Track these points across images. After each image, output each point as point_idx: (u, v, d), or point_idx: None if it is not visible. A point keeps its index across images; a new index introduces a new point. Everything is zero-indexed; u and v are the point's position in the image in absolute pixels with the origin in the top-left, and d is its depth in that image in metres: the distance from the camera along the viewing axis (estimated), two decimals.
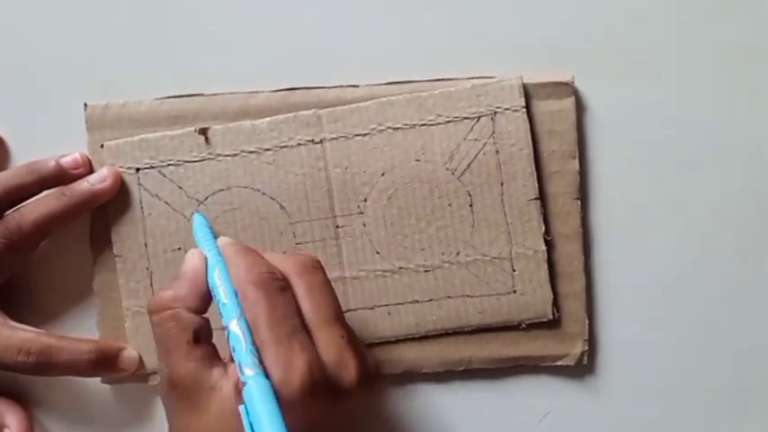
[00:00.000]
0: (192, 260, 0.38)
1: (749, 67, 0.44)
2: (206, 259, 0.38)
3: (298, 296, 0.37)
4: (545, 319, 0.44)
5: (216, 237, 0.40)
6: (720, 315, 0.45)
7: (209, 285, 0.37)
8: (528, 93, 0.43)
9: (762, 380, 0.45)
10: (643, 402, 0.45)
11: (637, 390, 0.45)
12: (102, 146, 0.44)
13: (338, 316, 0.37)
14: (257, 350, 0.34)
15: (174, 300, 0.36)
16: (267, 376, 0.33)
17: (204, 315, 0.37)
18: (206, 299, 0.37)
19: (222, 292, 0.36)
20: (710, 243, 0.45)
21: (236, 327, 0.34)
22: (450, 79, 0.44)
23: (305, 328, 0.36)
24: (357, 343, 0.37)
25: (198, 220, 0.42)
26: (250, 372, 0.33)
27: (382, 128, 0.43)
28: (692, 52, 0.44)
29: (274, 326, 0.35)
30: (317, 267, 0.38)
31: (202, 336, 0.36)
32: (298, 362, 0.34)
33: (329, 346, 0.36)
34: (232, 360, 0.35)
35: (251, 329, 0.35)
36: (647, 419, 0.45)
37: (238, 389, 0.34)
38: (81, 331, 0.45)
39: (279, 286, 0.36)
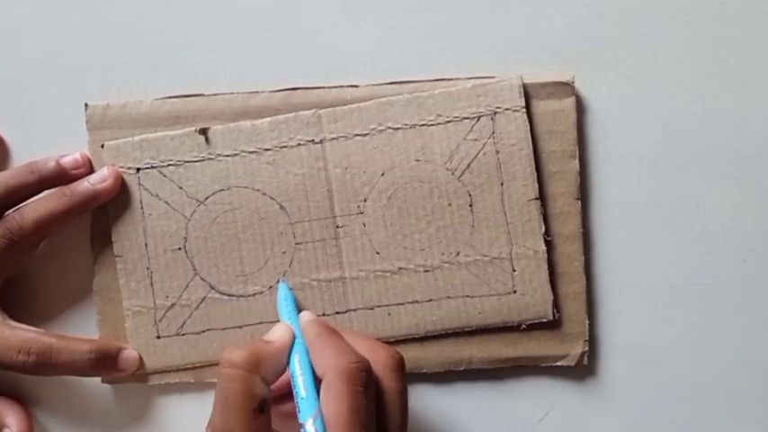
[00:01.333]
0: (281, 334, 0.38)
1: (749, 67, 0.44)
2: (294, 338, 0.38)
3: (380, 395, 0.36)
4: (545, 320, 0.44)
5: (299, 310, 0.41)
6: (720, 315, 0.45)
7: (290, 368, 0.37)
8: (528, 93, 0.43)
9: (762, 380, 0.45)
10: (643, 402, 0.45)
11: (636, 390, 0.45)
12: (102, 146, 0.44)
13: (406, 428, 0.37)
14: None
15: (255, 364, 0.36)
16: None
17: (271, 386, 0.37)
18: (280, 375, 0.37)
19: (301, 384, 0.36)
20: (711, 243, 0.45)
21: (311, 427, 0.35)
22: (451, 79, 0.44)
23: None
24: None
25: (283, 293, 0.42)
26: None
27: (382, 128, 0.43)
28: (692, 52, 0.44)
29: (351, 430, 0.34)
30: (402, 369, 0.38)
31: (266, 407, 0.36)
32: None
33: None
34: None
35: (326, 426, 0.35)
36: (647, 419, 0.45)
37: None
38: (81, 331, 0.45)
39: (365, 382, 0.35)
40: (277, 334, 0.38)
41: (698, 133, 0.44)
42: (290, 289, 0.43)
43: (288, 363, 0.38)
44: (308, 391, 0.36)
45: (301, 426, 0.35)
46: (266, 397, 0.36)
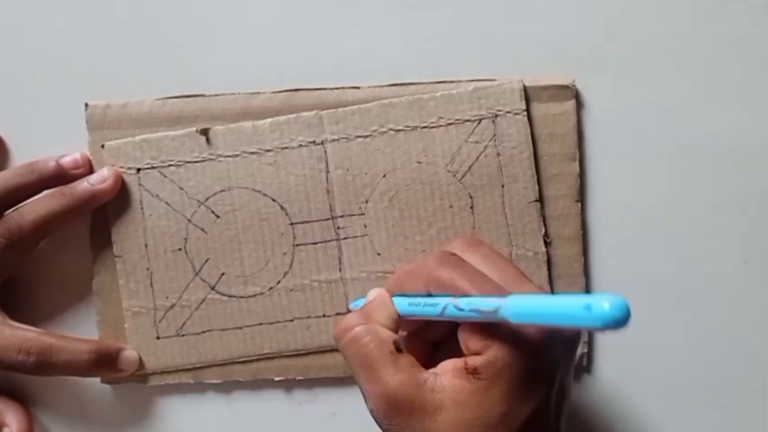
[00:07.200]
0: (374, 292, 0.38)
1: (749, 67, 0.44)
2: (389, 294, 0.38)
3: (476, 266, 0.36)
4: None
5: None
6: (720, 315, 0.45)
7: (402, 313, 0.37)
8: (529, 95, 0.43)
9: (761, 380, 0.45)
10: (642, 403, 0.45)
11: (636, 391, 0.45)
12: (102, 146, 0.44)
13: (524, 274, 0.36)
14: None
15: (363, 317, 0.36)
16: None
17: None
18: (396, 322, 0.36)
19: (419, 304, 0.36)
20: (711, 243, 0.45)
21: (457, 301, 0.33)
22: (452, 81, 0.44)
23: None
24: None
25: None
26: (500, 300, 0.31)
27: (384, 129, 0.43)
28: (692, 53, 0.44)
29: (480, 286, 0.34)
30: (481, 241, 0.39)
31: (401, 346, 0.35)
32: None
33: None
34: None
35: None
36: (646, 420, 0.45)
37: (467, 366, 0.33)
38: (81, 331, 0.45)
39: (458, 260, 0.36)
40: (372, 294, 0.38)
41: (698, 134, 0.45)
42: None
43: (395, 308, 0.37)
44: (429, 301, 0.35)
45: (440, 314, 0.34)
46: (395, 338, 0.35)
